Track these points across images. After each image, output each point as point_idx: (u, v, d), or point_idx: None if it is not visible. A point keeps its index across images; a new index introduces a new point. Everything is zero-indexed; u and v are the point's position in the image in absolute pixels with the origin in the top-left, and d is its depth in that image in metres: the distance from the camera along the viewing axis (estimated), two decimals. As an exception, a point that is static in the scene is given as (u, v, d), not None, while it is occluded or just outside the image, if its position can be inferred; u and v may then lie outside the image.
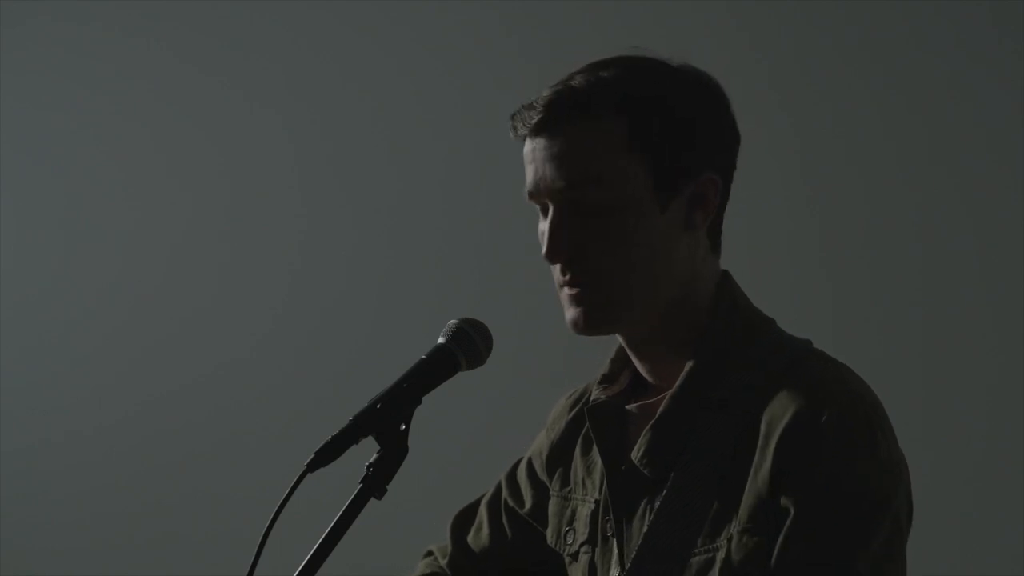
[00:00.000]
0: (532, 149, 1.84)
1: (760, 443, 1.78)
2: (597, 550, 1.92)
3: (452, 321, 1.84)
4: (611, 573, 1.89)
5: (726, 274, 1.90)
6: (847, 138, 3.40)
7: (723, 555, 1.77)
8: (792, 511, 1.74)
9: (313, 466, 1.73)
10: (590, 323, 1.84)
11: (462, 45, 3.82)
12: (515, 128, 1.85)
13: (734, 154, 1.90)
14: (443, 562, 2.14)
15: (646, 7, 3.56)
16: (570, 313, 1.84)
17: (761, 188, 3.35)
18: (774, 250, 3.41)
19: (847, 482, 1.74)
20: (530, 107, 1.83)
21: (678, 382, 1.85)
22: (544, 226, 1.84)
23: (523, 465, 2.09)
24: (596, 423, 1.93)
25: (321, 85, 3.98)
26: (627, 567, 1.83)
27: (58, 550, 4.19)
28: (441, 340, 1.82)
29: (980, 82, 3.29)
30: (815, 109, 3.42)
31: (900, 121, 3.35)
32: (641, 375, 1.92)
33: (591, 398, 1.95)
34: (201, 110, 4.11)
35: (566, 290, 1.84)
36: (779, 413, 1.78)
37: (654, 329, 1.87)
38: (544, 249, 1.83)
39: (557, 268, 1.84)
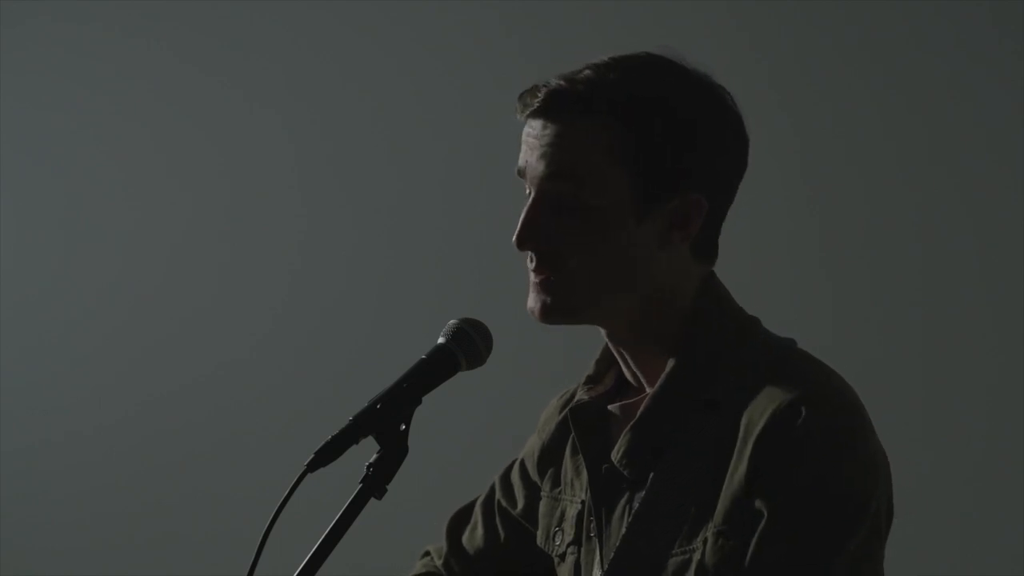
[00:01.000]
0: (527, 131, 1.85)
1: (738, 443, 1.77)
2: (582, 550, 1.92)
3: (452, 321, 1.84)
4: (594, 573, 1.89)
5: (711, 275, 1.89)
6: (847, 138, 3.40)
7: (698, 557, 1.77)
8: (768, 512, 1.74)
9: (313, 466, 1.73)
10: (546, 313, 1.85)
11: (462, 45, 3.82)
12: (518, 107, 1.86)
13: (733, 174, 1.88)
14: (438, 563, 2.14)
15: (646, 7, 3.56)
16: (530, 300, 1.85)
17: (761, 188, 3.34)
18: (774, 250, 3.41)
19: (825, 483, 1.74)
20: (534, 91, 1.83)
21: (659, 382, 1.84)
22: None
23: (516, 466, 2.09)
24: (579, 424, 1.93)
25: (321, 85, 3.98)
26: (605, 568, 1.83)
27: (58, 550, 4.19)
28: (441, 340, 1.82)
29: (980, 82, 3.29)
30: (815, 109, 3.42)
31: (900, 121, 3.35)
32: (626, 376, 1.92)
33: (575, 399, 1.95)
34: (201, 110, 4.11)
35: (532, 277, 1.85)
36: (757, 413, 1.78)
37: (633, 329, 1.87)
38: (514, 235, 1.84)
39: (527, 254, 1.85)
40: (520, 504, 2.07)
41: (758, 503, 1.75)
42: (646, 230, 1.83)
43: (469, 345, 1.82)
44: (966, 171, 3.30)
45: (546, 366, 3.40)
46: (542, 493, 2.02)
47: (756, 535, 1.74)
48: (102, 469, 4.17)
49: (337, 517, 1.73)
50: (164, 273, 4.15)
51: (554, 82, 1.82)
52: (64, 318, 4.25)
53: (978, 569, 3.23)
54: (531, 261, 1.85)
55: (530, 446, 2.07)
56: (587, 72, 1.83)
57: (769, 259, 3.39)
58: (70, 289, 4.24)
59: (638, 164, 1.81)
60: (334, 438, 1.74)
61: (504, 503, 2.09)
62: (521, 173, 1.86)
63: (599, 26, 3.60)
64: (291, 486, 1.72)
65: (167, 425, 4.12)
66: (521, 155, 1.86)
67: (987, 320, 3.28)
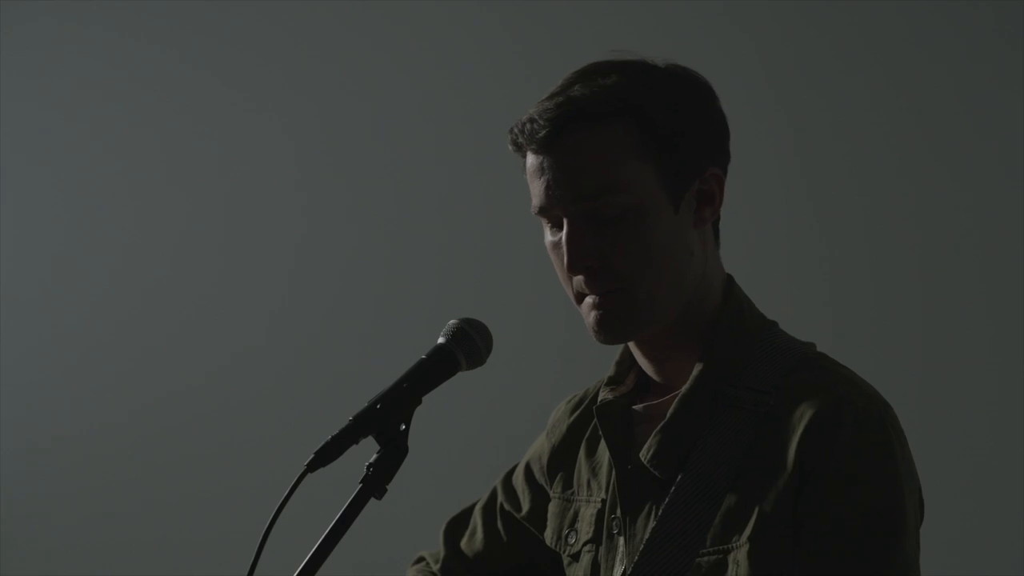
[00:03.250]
0: (540, 164, 1.83)
1: (778, 445, 1.79)
2: (601, 549, 1.92)
3: (452, 321, 1.84)
4: (615, 571, 1.89)
5: (731, 278, 1.91)
6: (847, 138, 3.40)
7: (738, 556, 1.78)
8: (817, 514, 1.75)
9: (313, 466, 1.73)
10: (620, 330, 1.85)
11: (462, 45, 3.82)
12: (516, 143, 1.84)
13: (728, 145, 1.90)
14: (436, 567, 2.14)
15: (646, 7, 3.56)
16: (595, 323, 1.84)
17: (761, 188, 3.35)
18: (774, 250, 3.41)
19: (868, 482, 1.76)
20: (532, 121, 1.82)
21: (688, 384, 1.86)
22: (559, 239, 1.83)
23: (520, 470, 2.10)
24: (605, 422, 1.93)
25: (321, 85, 3.98)
26: (634, 563, 1.83)
27: (58, 550, 4.19)
28: (441, 340, 1.82)
29: (980, 82, 3.29)
30: (815, 109, 3.42)
31: (900, 121, 3.35)
32: (647, 375, 1.93)
33: (599, 398, 1.95)
34: (201, 110, 4.11)
35: (589, 299, 1.84)
36: (798, 416, 1.79)
37: (668, 329, 1.87)
38: (565, 262, 1.82)
39: (579, 280, 1.83)
40: (525, 507, 2.07)
41: (802, 507, 1.76)
42: (682, 216, 1.84)
43: (469, 345, 1.82)
44: (966, 171, 3.30)
45: (546, 366, 3.40)
46: (552, 495, 2.03)
47: (801, 537, 1.75)
48: (102, 469, 4.17)
49: (337, 517, 1.73)
50: (164, 273, 4.15)
51: (551, 104, 1.81)
52: (64, 318, 4.25)
53: (978, 569, 3.23)
54: (586, 285, 1.83)
55: (537, 449, 2.08)
56: (576, 87, 1.82)
57: (769, 259, 3.39)
58: (70, 289, 4.24)
59: (660, 154, 1.82)
60: (334, 438, 1.74)
61: (507, 507, 2.10)
62: (545, 209, 1.83)
63: (599, 26, 3.60)
64: (291, 486, 1.72)
65: (167, 425, 4.12)
66: (538, 193, 1.83)
67: (987, 320, 3.28)
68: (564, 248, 1.82)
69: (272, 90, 4.03)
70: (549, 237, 1.86)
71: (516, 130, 1.83)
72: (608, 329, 1.84)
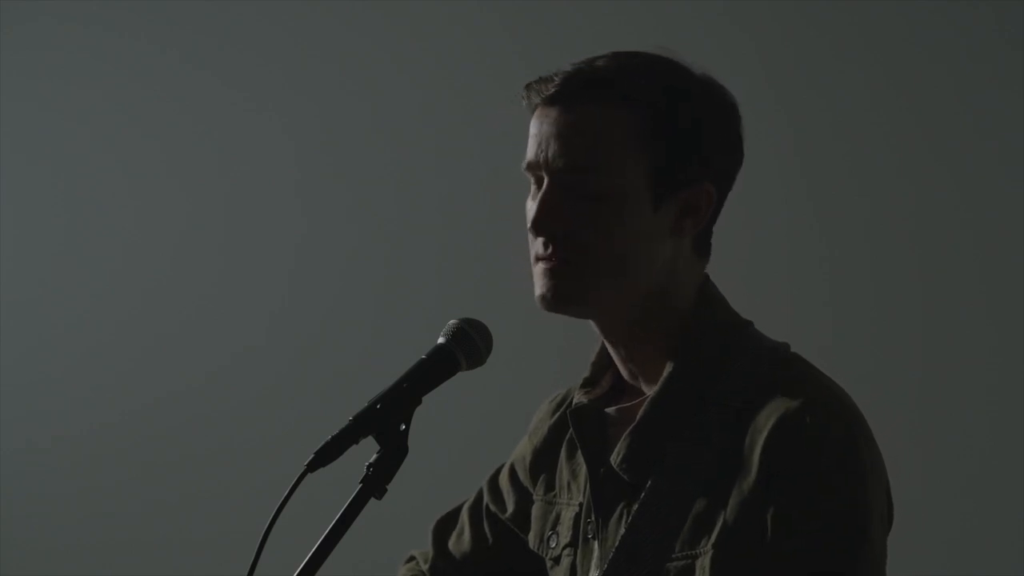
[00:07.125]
0: (541, 120, 1.83)
1: (745, 449, 1.78)
2: (579, 552, 1.92)
3: (452, 321, 1.84)
4: (591, 575, 1.89)
5: (706, 278, 1.90)
6: (847, 138, 3.40)
7: (704, 562, 1.77)
8: (780, 516, 1.74)
9: (313, 466, 1.73)
10: (558, 300, 1.83)
11: (462, 45, 3.82)
12: (528, 97, 1.83)
13: (734, 171, 1.89)
14: (424, 567, 2.14)
15: (646, 7, 3.56)
16: (540, 288, 1.83)
17: (761, 188, 3.35)
18: (774, 250, 3.41)
19: (834, 488, 1.75)
20: (548, 79, 1.81)
21: (657, 387, 1.85)
22: (534, 200, 1.83)
23: (505, 471, 2.10)
24: (579, 426, 1.92)
25: (321, 85, 3.98)
26: (602, 570, 1.83)
27: (58, 550, 4.19)
28: (441, 340, 1.82)
29: (980, 82, 3.29)
30: (815, 109, 3.42)
31: (900, 121, 3.36)
32: (623, 377, 1.92)
33: (573, 401, 1.95)
34: (201, 110, 4.11)
35: (541, 264, 1.83)
36: (762, 420, 1.78)
37: (631, 326, 1.87)
38: (530, 220, 1.82)
39: (539, 241, 1.83)
40: (510, 509, 2.07)
41: (772, 507, 1.75)
42: (660, 218, 1.83)
43: (469, 345, 1.82)
44: (966, 171, 3.30)
45: (545, 366, 3.39)
46: (535, 497, 2.02)
47: (766, 541, 1.74)
48: (102, 469, 4.17)
49: (337, 517, 1.73)
50: (164, 273, 4.15)
51: (570, 68, 1.81)
52: (64, 318, 4.25)
53: (978, 569, 3.23)
54: (544, 248, 1.83)
55: (520, 450, 2.07)
56: (603, 59, 1.83)
57: (769, 259, 3.39)
58: (70, 289, 4.24)
59: (660, 151, 1.81)
60: (334, 438, 1.74)
61: (493, 508, 2.09)
62: (532, 167, 1.84)
63: (599, 26, 3.60)
64: (291, 486, 1.72)
65: (167, 425, 4.12)
66: (531, 148, 1.83)
67: (987, 320, 3.28)
68: (536, 205, 1.82)
69: (272, 90, 4.03)
70: (529, 201, 1.85)
71: (531, 85, 1.83)
72: (550, 297, 1.83)
